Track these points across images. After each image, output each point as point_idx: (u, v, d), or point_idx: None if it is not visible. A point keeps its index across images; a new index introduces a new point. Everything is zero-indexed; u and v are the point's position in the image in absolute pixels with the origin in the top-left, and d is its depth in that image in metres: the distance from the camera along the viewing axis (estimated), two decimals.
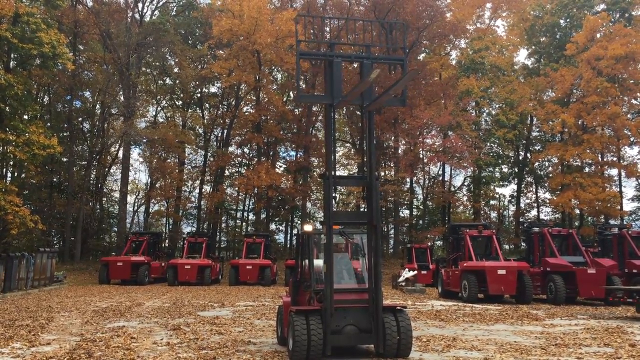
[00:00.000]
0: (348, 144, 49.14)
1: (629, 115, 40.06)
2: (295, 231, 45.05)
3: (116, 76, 38.51)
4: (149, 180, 45.58)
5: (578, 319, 15.11)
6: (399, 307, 8.75)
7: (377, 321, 8.25)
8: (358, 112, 44.67)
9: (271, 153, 45.23)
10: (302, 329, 7.90)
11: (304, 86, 44.49)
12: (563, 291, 19.51)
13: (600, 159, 40.79)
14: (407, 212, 45.57)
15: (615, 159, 42.02)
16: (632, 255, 21.71)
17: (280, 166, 45.86)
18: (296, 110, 44.13)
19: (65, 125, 40.16)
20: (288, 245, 45.28)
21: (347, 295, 8.59)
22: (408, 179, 41.87)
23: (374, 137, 9.11)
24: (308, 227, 9.22)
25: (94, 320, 13.67)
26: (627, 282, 20.39)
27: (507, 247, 44.16)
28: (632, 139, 39.28)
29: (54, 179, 41.42)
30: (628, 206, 45.87)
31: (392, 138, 41.24)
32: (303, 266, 9.61)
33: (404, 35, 10.09)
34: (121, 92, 39.24)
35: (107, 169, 44.12)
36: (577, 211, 41.81)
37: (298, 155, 44.85)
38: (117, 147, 42.67)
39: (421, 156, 42.54)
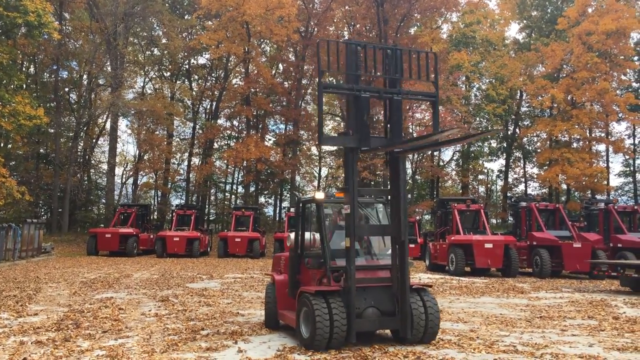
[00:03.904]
0: (338, 118, 48.94)
1: (617, 91, 40.14)
2: (286, 203, 45.07)
3: (103, 46, 37.91)
4: (137, 152, 45.32)
5: (563, 292, 15.32)
6: (423, 286, 7.88)
7: (404, 302, 7.31)
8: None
9: (260, 126, 44.99)
10: (324, 313, 6.91)
11: (293, 58, 44.14)
12: (548, 265, 19.78)
13: (588, 134, 40.97)
14: (321, 194, 45.60)
15: (603, 134, 42.25)
16: (618, 230, 21.98)
17: (270, 139, 45.71)
18: (286, 83, 43.83)
19: (52, 95, 39.63)
20: (277, 218, 45.35)
21: (366, 273, 7.55)
22: None
23: (405, 183, 7.88)
24: (320, 195, 8.06)
25: (82, 291, 13.67)
26: (611, 256, 20.66)
27: (494, 221, 44.56)
28: (620, 115, 39.48)
29: (41, 150, 41.03)
30: (614, 182, 46.42)
31: (382, 112, 41.10)
32: (311, 239, 8.46)
33: (435, 66, 8.24)
34: (108, 63, 38.69)
35: (94, 141, 43.74)
36: (564, 186, 42.12)
37: (287, 128, 44.69)
38: (105, 118, 42.27)
39: (410, 130, 42.47)
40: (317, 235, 8.41)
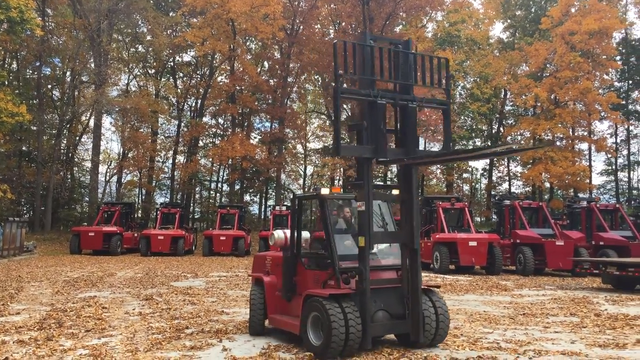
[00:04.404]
0: (323, 116, 48.97)
1: (600, 91, 40.55)
2: (271, 201, 44.99)
3: (87, 43, 37.54)
4: (122, 150, 44.97)
5: (545, 289, 15.47)
6: (431, 288, 7.56)
7: (416, 306, 7.01)
8: (334, 83, 44.54)
9: (246, 124, 44.86)
10: (339, 318, 6.45)
11: (278, 56, 44.05)
12: (532, 262, 19.99)
13: (571, 133, 41.36)
14: (326, 190, 45.72)
15: (585, 133, 42.66)
16: (600, 228, 22.26)
17: (255, 137, 45.60)
18: (271, 81, 43.72)
19: (34, 92, 39.19)
20: (262, 217, 45.27)
21: (374, 274, 7.10)
22: None
23: (418, 193, 7.70)
24: (325, 191, 7.63)
25: (65, 290, 13.55)
26: (593, 254, 20.92)
27: (478, 219, 44.84)
28: (602, 114, 39.87)
29: (23, 148, 40.55)
30: (597, 180, 46.93)
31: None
32: (312, 239, 8.04)
33: (447, 72, 7.95)
34: (92, 60, 38.32)
35: (78, 138, 43.32)
36: (547, 184, 42.49)
37: (273, 127, 44.59)
38: (88, 115, 41.88)
39: None
40: (307, 234, 8.24)
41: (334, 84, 6.98)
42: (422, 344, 7.16)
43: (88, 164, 42.27)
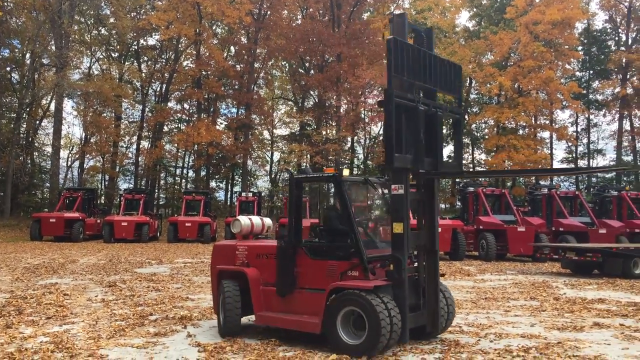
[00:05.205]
0: (290, 102, 48.79)
1: (562, 80, 41.36)
2: (237, 187, 44.73)
3: (47, 24, 36.47)
4: (84, 134, 44.02)
5: (507, 274, 15.81)
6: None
7: (435, 300, 6.83)
8: (301, 70, 44.40)
9: (212, 109, 44.35)
10: (386, 316, 5.98)
11: (245, 41, 43.63)
12: (494, 248, 20.38)
13: (533, 121, 42.14)
14: (347, 171, 45.89)
15: (547, 122, 43.51)
16: (560, 214, 22.79)
17: (221, 123, 45.13)
18: (238, 66, 43.28)
19: None
20: (228, 203, 45.00)
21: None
22: (349, 139, 42.10)
23: (438, 200, 7.44)
24: (346, 172, 7.11)
25: (25, 277, 13.28)
26: (553, 239, 21.42)
27: (443, 206, 45.41)
28: (564, 103, 40.69)
29: None
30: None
31: (335, 97, 41.18)
32: (319, 226, 7.36)
33: (460, 79, 7.56)
34: (52, 42, 37.27)
35: (38, 122, 42.19)
36: None
37: (239, 112, 44.22)
38: (49, 99, 40.81)
39: (363, 116, 42.73)
40: (269, 221, 7.98)
41: (386, 88, 6.45)
42: (431, 335, 7.03)
43: (49, 149, 41.28)
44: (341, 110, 41.01)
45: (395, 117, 6.45)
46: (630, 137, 44.80)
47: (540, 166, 39.00)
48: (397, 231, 6.44)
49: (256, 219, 7.96)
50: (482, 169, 46.90)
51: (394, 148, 6.46)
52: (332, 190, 7.58)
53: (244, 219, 7.83)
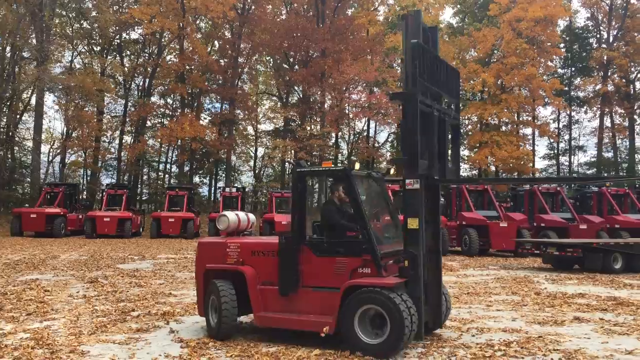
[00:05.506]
0: (275, 97, 48.64)
1: (544, 77, 41.74)
2: (221, 183, 44.54)
3: (28, 17, 35.95)
4: (65, 129, 43.50)
5: (489, 269, 15.95)
6: None
7: (439, 299, 6.85)
8: (286, 65, 44.24)
9: (195, 104, 44.08)
10: (408, 314, 5.89)
11: (229, 36, 43.40)
12: (476, 243, 20.54)
13: (516, 118, 42.49)
14: (358, 165, 45.80)
15: (530, 118, 43.90)
16: (541, 210, 23.02)
17: (205, 118, 44.90)
18: (222, 61, 43.06)
19: None
20: (212, 198, 44.80)
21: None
22: (333, 134, 42.11)
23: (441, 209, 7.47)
24: (357, 166, 6.98)
25: (5, 273, 13.12)
26: (535, 235, 21.63)
27: None
28: (546, 100, 41.09)
29: None
30: (539, 164, 48.42)
31: (319, 93, 41.15)
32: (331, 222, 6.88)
33: (458, 84, 7.68)
34: (33, 35, 36.75)
35: (18, 117, 41.58)
36: (493, 168, 43.62)
37: (223, 108, 44.01)
38: (30, 93, 40.25)
39: (347, 112, 42.75)
40: (252, 216, 7.86)
41: (409, 91, 6.36)
42: (431, 330, 7.02)
43: (29, 144, 40.73)
44: (325, 106, 40.99)
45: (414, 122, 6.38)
46: (610, 134, 45.37)
47: (522, 162, 39.40)
48: (412, 227, 6.35)
49: (242, 215, 7.69)
50: (467, 167, 47.20)
51: (419, 155, 6.37)
52: (330, 184, 7.30)
53: (231, 215, 7.51)
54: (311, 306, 6.50)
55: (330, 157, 42.84)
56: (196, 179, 45.92)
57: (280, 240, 6.79)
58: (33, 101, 39.83)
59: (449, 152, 7.56)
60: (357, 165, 6.98)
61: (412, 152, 6.40)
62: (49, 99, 43.02)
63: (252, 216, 7.92)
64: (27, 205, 32.32)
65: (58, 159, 43.60)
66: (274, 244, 6.86)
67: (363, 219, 6.39)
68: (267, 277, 6.83)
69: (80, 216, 29.91)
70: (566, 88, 45.53)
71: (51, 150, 44.69)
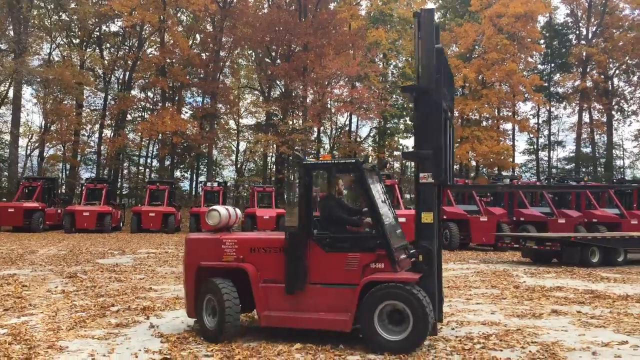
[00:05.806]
0: (256, 92, 48.44)
1: (524, 73, 42.09)
2: (202, 177, 44.30)
3: (5, 9, 35.33)
4: (44, 122, 42.90)
5: (469, 263, 16.08)
6: None
7: (439, 288, 6.72)
8: (268, 60, 44.03)
9: (176, 98, 43.72)
10: (430, 310, 5.86)
11: (211, 29, 43.09)
12: (457, 237, 20.71)
13: (496, 113, 42.83)
14: (370, 158, 45.92)
15: (510, 113, 44.27)
16: (521, 204, 23.26)
17: (186, 112, 44.57)
18: (203, 54, 42.73)
19: None
20: (193, 193, 44.56)
21: (404, 256, 6.49)
22: (315, 129, 42.07)
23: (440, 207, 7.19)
24: (369, 159, 6.91)
25: None
26: (514, 229, 21.86)
27: (408, 196, 45.83)
28: (526, 96, 41.44)
29: None
30: (519, 159, 48.95)
31: (301, 87, 41.04)
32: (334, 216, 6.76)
33: (453, 85, 7.59)
34: (11, 27, 36.14)
35: None
36: (474, 163, 43.95)
37: (205, 101, 43.72)
38: (7, 86, 39.61)
39: (329, 106, 42.72)
40: (239, 211, 7.68)
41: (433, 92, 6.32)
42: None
43: (7, 137, 40.13)
44: (307, 100, 40.92)
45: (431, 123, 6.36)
46: (589, 130, 45.94)
47: (502, 157, 39.71)
48: (427, 221, 6.28)
49: (231, 210, 7.37)
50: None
51: (443, 149, 6.38)
52: (327, 178, 7.22)
53: (222, 210, 7.09)
54: (320, 303, 6.27)
55: (313, 151, 42.86)
56: (177, 174, 45.66)
57: (286, 236, 6.50)
58: (11, 94, 39.22)
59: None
60: (369, 158, 6.83)
61: (437, 145, 6.34)
62: (27, 91, 42.39)
63: (238, 211, 7.70)
64: (4, 199, 31.89)
65: (36, 152, 43.03)
66: (277, 239, 6.61)
67: (376, 213, 6.26)
68: (270, 275, 6.53)
69: (59, 210, 29.58)
70: (546, 84, 45.98)
71: (29, 143, 44.10)
